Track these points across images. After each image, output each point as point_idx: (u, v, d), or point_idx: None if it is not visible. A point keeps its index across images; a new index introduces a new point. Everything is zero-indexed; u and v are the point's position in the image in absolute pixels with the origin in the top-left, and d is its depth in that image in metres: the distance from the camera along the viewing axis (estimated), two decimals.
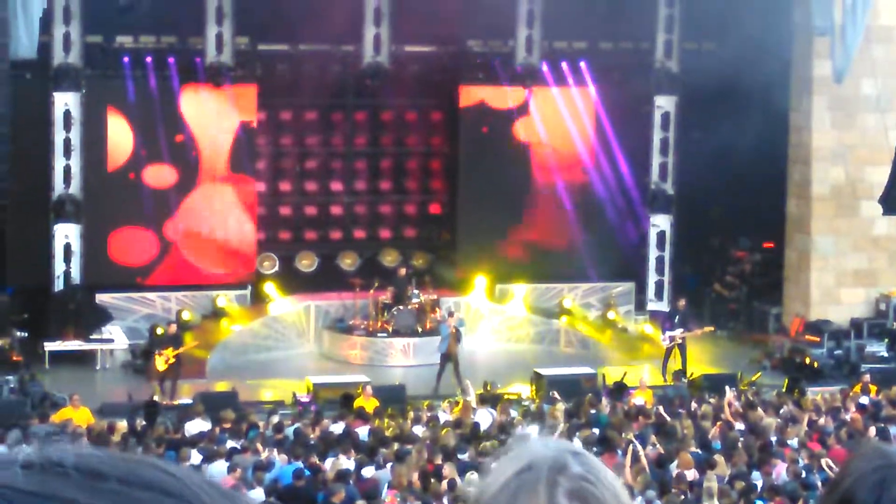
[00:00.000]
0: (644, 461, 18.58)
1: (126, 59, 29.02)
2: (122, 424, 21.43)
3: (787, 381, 26.30)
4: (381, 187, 32.43)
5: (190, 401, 23.64)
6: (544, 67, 31.12)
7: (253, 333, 29.26)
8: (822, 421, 21.69)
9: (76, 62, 28.58)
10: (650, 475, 17.87)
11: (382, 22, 30.41)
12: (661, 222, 32.06)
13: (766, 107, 28.30)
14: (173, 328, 26.42)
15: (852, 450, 17.47)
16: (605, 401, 23.22)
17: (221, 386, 25.85)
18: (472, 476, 17.04)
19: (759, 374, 27.33)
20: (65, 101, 28.58)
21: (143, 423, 21.71)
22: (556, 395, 23.58)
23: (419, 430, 20.97)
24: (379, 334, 28.90)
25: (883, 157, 27.93)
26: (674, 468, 18.42)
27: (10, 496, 1.45)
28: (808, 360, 27.86)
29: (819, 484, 17.36)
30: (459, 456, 19.06)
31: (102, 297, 28.67)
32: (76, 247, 28.81)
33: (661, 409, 22.31)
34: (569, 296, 31.16)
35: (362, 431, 20.96)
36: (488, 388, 24.79)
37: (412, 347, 28.70)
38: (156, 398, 23.74)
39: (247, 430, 20.97)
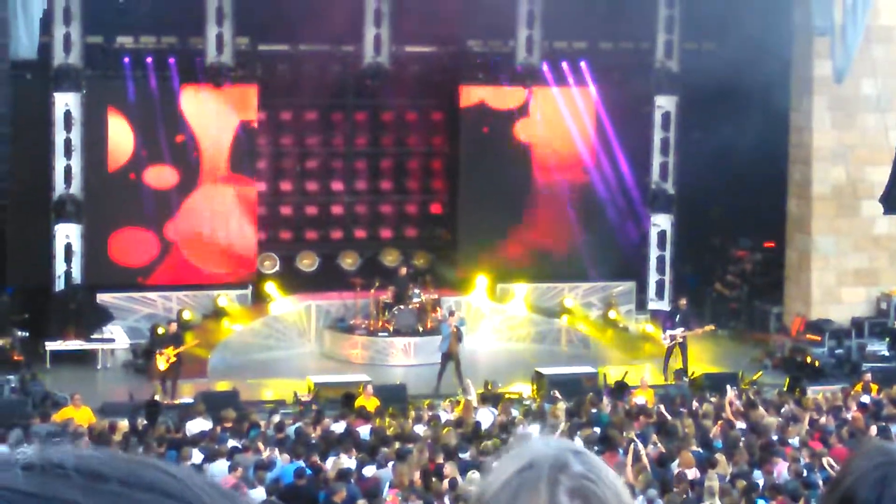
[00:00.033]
0: (645, 460, 18.59)
1: (126, 60, 29.02)
2: (124, 424, 21.43)
3: (788, 380, 26.29)
4: (382, 187, 32.43)
5: (191, 400, 23.64)
6: (545, 67, 31.12)
7: (254, 333, 29.27)
8: (823, 420, 21.69)
9: (76, 62, 28.58)
10: (651, 474, 17.88)
11: (383, 22, 30.41)
12: (661, 222, 32.07)
13: (766, 107, 28.30)
14: (174, 327, 26.44)
15: (853, 449, 17.50)
16: (606, 400, 23.22)
17: (222, 385, 25.86)
18: (474, 475, 17.04)
19: (761, 373, 27.33)
20: (65, 102, 28.58)
21: (145, 422, 21.71)
22: (558, 394, 23.58)
23: (420, 430, 20.97)
24: (380, 334, 28.90)
25: (883, 156, 27.94)
26: (675, 467, 18.42)
27: (11, 498, 1.45)
28: (809, 360, 27.87)
29: (820, 483, 17.37)
30: (461, 455, 19.07)
31: (103, 297, 28.67)
32: (77, 247, 28.82)
33: (662, 408, 22.31)
34: (570, 295, 31.17)
35: (363, 431, 20.96)
36: (489, 387, 24.79)
37: (413, 347, 28.71)
38: (157, 397, 23.74)
39: (248, 429, 20.98)
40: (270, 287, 30.12)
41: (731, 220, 31.88)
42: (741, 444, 19.63)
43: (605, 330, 30.49)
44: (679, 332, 27.55)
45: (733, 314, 31.87)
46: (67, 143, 28.66)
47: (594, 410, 22.17)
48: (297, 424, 21.33)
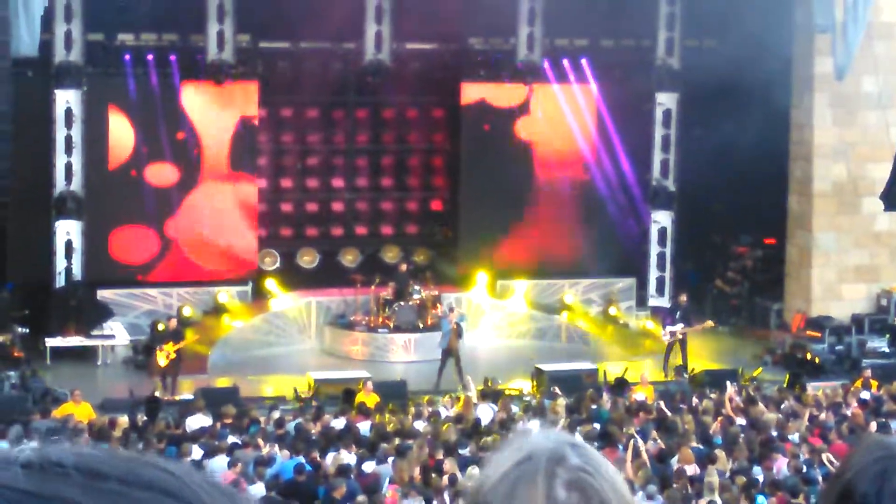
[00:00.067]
0: (645, 456, 18.60)
1: (127, 57, 29.01)
2: (124, 420, 21.45)
3: (788, 376, 26.29)
4: (383, 184, 32.44)
5: (191, 396, 23.66)
6: (546, 65, 31.11)
7: (254, 329, 29.27)
8: (823, 416, 21.69)
9: (77, 60, 28.57)
10: (651, 470, 17.90)
11: (384, 19, 30.41)
12: (662, 218, 32.06)
13: (767, 103, 28.28)
14: (174, 323, 26.47)
15: (853, 445, 17.49)
16: (606, 396, 23.22)
17: (223, 382, 25.85)
18: (474, 471, 17.06)
19: (760, 369, 27.33)
20: (66, 99, 28.58)
21: (145, 418, 21.73)
22: (557, 390, 23.58)
23: (420, 426, 20.98)
24: (380, 330, 28.91)
25: (884, 153, 27.95)
26: (675, 463, 18.44)
27: (10, 497, 1.46)
28: (809, 356, 27.87)
29: (820, 479, 17.38)
30: (460, 451, 19.08)
31: (104, 294, 28.68)
32: (77, 244, 28.82)
33: (662, 404, 22.31)
34: (570, 291, 31.16)
35: (363, 427, 20.97)
36: (489, 383, 24.81)
37: (413, 343, 28.72)
38: (157, 394, 23.77)
39: (248, 425, 20.99)
40: (271, 283, 30.12)
41: (732, 217, 31.88)
42: (741, 440, 19.64)
43: (605, 326, 30.49)
44: (679, 328, 27.55)
45: (734, 311, 31.89)
46: (68, 140, 28.65)
47: (594, 407, 22.18)
48: (297, 420, 21.35)
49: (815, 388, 24.83)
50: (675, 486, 17.16)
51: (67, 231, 28.79)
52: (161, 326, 27.08)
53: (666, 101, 31.72)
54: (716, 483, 16.94)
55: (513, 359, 28.49)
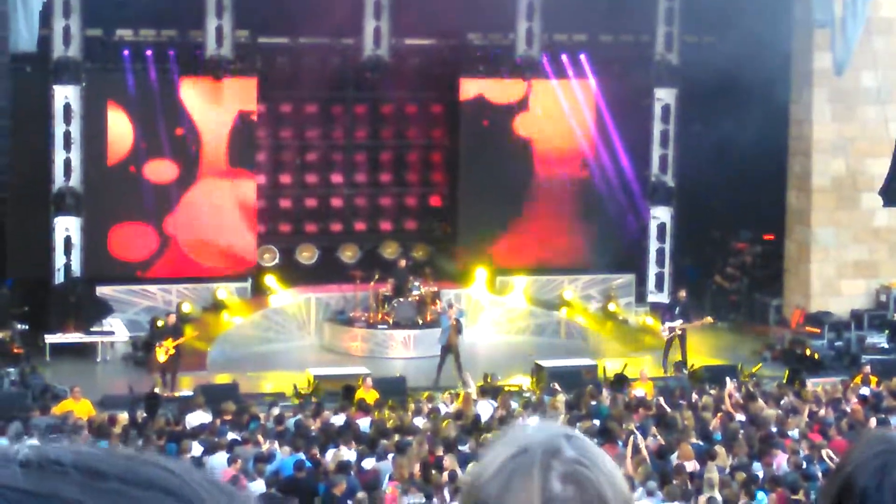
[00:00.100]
0: (645, 452, 18.60)
1: (126, 53, 29.00)
2: (123, 416, 21.45)
3: (787, 372, 26.30)
4: (382, 180, 32.43)
5: (191, 393, 23.64)
6: (544, 60, 31.09)
7: (254, 326, 29.27)
8: (822, 412, 21.70)
9: (76, 55, 28.56)
10: (651, 466, 17.90)
11: (382, 15, 30.39)
12: (661, 214, 32.06)
13: (766, 99, 28.27)
14: (173, 318, 26.47)
15: (853, 440, 17.49)
16: (605, 392, 23.22)
17: (222, 378, 25.83)
18: (473, 467, 17.04)
19: (760, 365, 27.32)
20: (65, 95, 28.56)
21: (144, 415, 21.73)
22: (557, 386, 23.59)
23: (420, 422, 20.98)
24: (379, 326, 28.91)
25: (883, 148, 27.93)
26: (674, 459, 18.44)
27: (10, 496, 1.44)
28: (808, 352, 27.87)
29: (820, 475, 17.39)
30: (460, 447, 19.08)
31: (103, 290, 28.69)
32: (76, 240, 28.81)
33: (661, 400, 22.32)
34: (569, 287, 31.17)
35: (363, 423, 20.98)
36: (489, 379, 24.79)
37: (413, 339, 28.72)
38: (157, 390, 23.76)
39: (248, 421, 20.99)
40: (270, 280, 30.13)
41: (731, 213, 31.87)
42: (740, 436, 19.64)
43: (604, 322, 30.49)
44: (678, 324, 27.55)
45: (733, 306, 31.89)
46: (67, 135, 28.64)
47: (593, 402, 22.19)
48: (297, 417, 21.35)
49: (815, 384, 24.85)
50: (674, 482, 17.16)
51: (66, 227, 28.78)
52: (160, 323, 27.06)
53: (665, 96, 31.71)
54: (716, 479, 16.94)
55: (512, 355, 28.49)
